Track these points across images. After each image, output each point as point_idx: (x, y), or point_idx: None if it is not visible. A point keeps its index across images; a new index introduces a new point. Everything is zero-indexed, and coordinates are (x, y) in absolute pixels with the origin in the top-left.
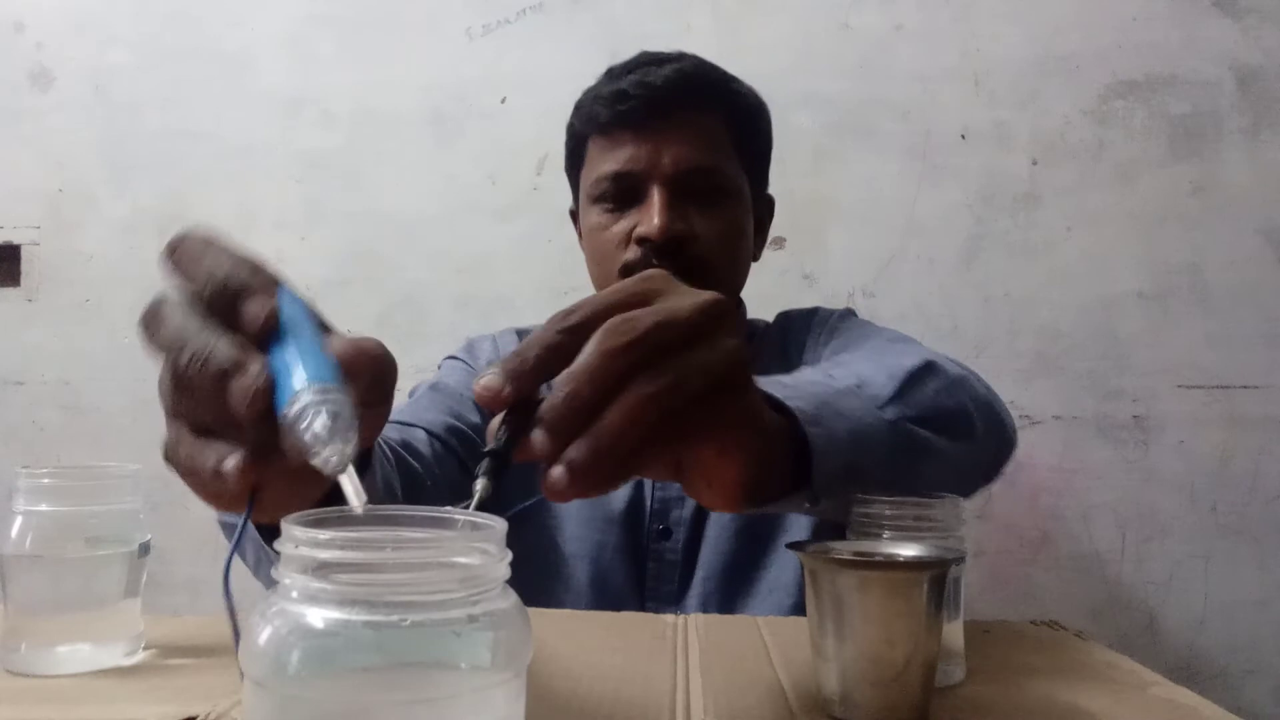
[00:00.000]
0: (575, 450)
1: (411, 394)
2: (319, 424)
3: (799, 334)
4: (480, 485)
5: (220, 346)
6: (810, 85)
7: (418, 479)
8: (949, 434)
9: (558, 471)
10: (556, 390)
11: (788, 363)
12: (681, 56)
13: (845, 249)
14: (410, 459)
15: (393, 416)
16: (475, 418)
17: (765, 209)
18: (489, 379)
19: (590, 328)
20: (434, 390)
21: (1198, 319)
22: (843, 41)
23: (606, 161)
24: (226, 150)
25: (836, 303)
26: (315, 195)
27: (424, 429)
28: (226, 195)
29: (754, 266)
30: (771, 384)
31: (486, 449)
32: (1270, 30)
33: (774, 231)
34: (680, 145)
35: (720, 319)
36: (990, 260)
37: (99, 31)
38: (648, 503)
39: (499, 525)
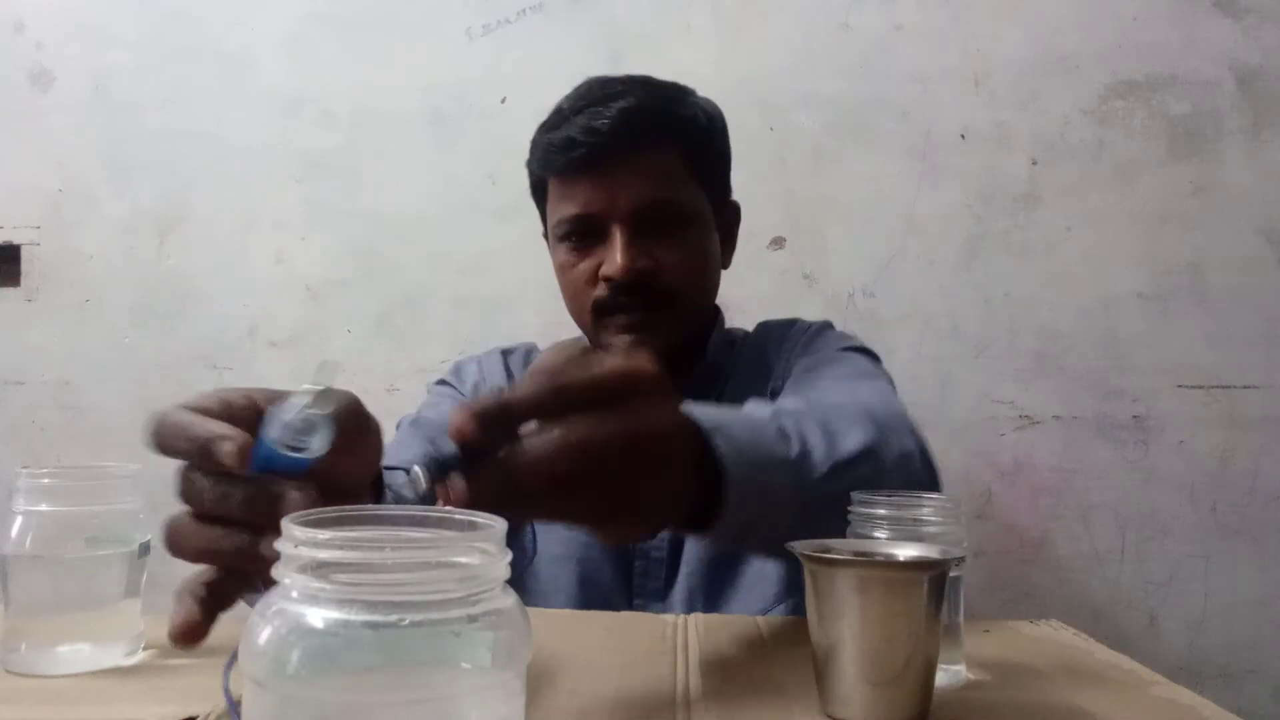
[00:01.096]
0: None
1: (397, 426)
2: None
3: (777, 344)
4: (417, 471)
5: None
6: (810, 85)
7: None
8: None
9: (459, 492)
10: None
11: (767, 372)
12: (629, 89)
13: (845, 249)
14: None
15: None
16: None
17: (731, 217)
18: (460, 420)
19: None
20: (415, 425)
21: (1198, 319)
22: (843, 41)
23: (567, 204)
24: (226, 150)
25: (836, 303)
26: (315, 195)
27: (404, 470)
28: (226, 195)
29: (754, 266)
30: (727, 423)
31: (438, 456)
32: (1270, 30)
33: (774, 231)
34: (634, 184)
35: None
36: (990, 260)
37: (99, 31)
38: None
39: (499, 525)
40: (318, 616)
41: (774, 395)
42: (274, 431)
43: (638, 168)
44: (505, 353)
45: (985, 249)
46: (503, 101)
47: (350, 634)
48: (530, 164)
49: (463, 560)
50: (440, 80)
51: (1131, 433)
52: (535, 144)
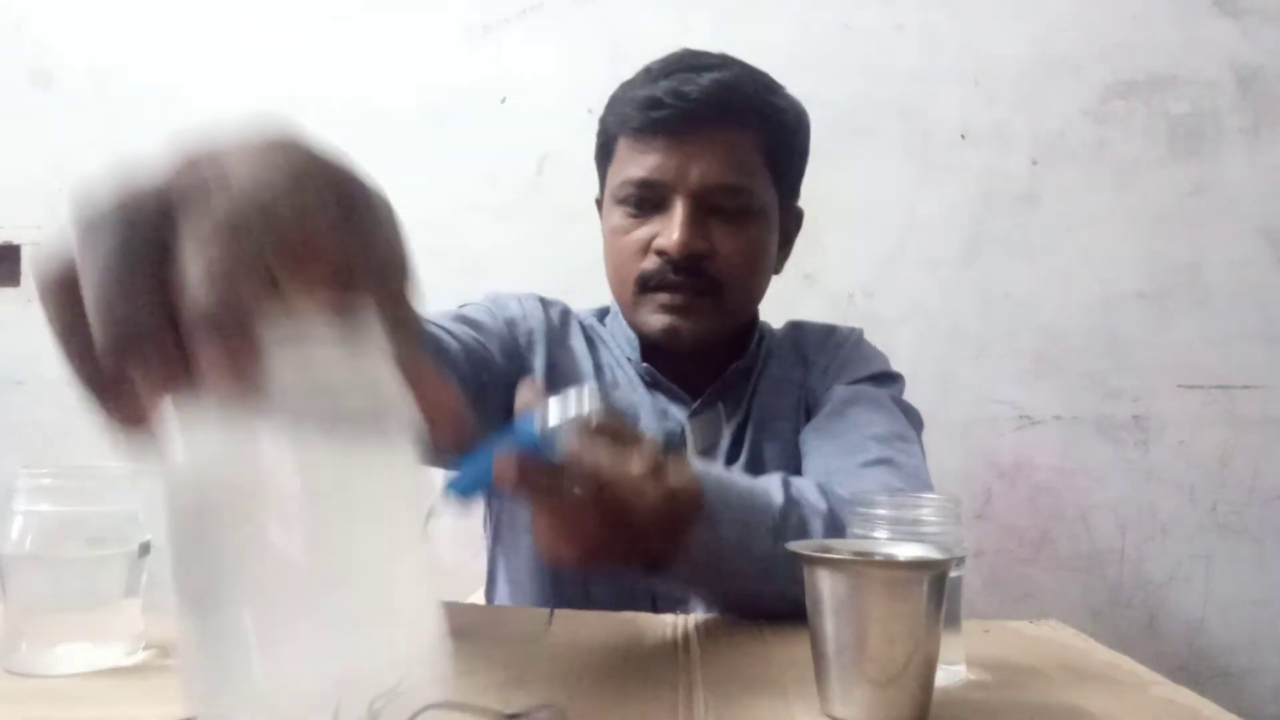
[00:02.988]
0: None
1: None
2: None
3: (816, 349)
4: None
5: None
6: (810, 85)
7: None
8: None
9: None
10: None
11: (800, 373)
12: (724, 64)
13: (845, 249)
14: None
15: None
16: (491, 346)
17: (793, 222)
18: (504, 468)
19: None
20: (457, 319)
21: (1198, 319)
22: (843, 41)
23: (634, 166)
24: None
25: (837, 303)
26: None
27: (450, 333)
28: None
29: None
30: (730, 495)
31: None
32: (1270, 30)
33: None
34: (709, 160)
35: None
36: (990, 260)
37: (99, 31)
38: None
39: None
40: None
41: (809, 406)
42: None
43: (716, 144)
44: (544, 302)
45: (985, 249)
46: (503, 101)
47: None
48: (604, 119)
49: None
50: (440, 80)
51: (1131, 433)
52: (614, 100)
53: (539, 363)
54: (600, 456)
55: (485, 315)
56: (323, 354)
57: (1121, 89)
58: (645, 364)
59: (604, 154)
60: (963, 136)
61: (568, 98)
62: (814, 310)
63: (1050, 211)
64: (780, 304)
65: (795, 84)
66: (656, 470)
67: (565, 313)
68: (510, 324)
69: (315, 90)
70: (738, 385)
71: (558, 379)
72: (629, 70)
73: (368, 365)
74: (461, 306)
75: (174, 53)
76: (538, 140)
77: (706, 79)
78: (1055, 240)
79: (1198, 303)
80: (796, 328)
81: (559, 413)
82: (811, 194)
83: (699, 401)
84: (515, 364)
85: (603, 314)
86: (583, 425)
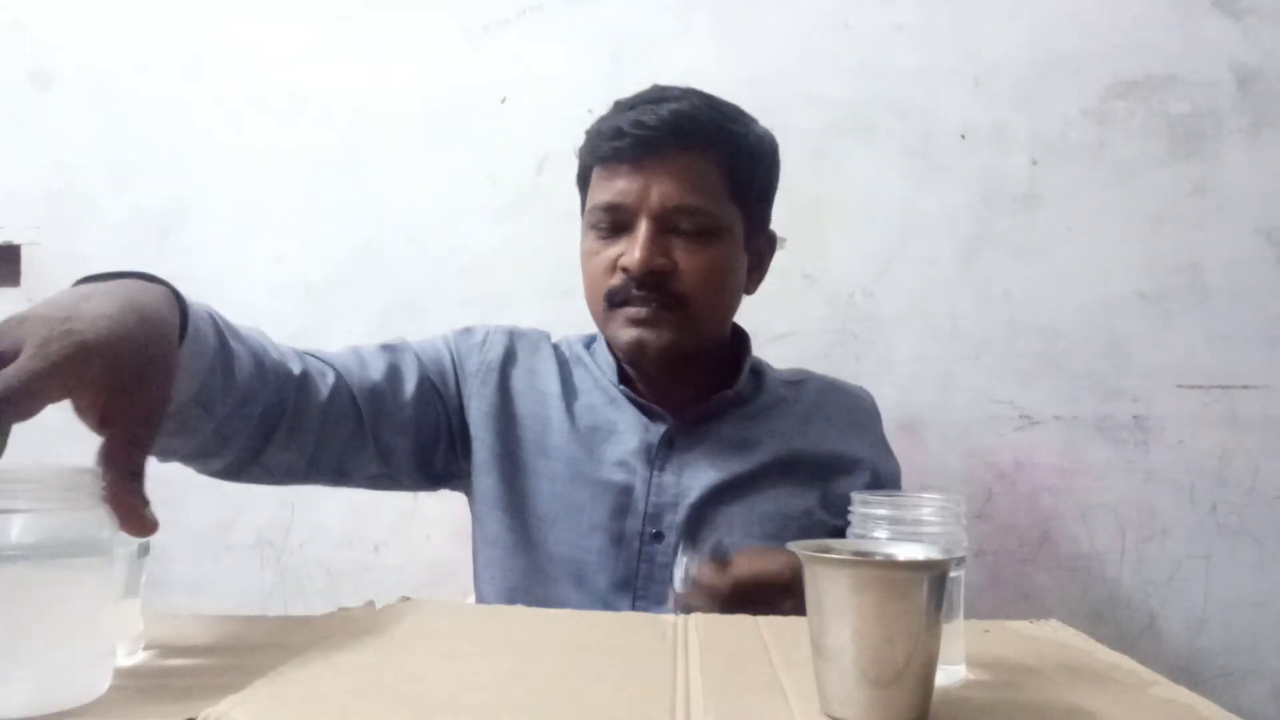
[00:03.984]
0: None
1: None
2: None
3: (851, 420)
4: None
5: None
6: (810, 85)
7: (307, 408)
8: None
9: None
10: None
11: (824, 438)
12: (687, 94)
13: (845, 249)
14: (310, 391)
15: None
16: (406, 387)
17: (765, 246)
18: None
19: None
20: (384, 348)
21: (1198, 319)
22: (842, 41)
23: (602, 192)
24: (226, 150)
25: (836, 303)
26: (315, 195)
27: (337, 372)
28: (226, 195)
29: None
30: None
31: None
32: (1270, 30)
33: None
34: (668, 183)
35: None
36: (990, 260)
37: (99, 31)
38: (642, 507)
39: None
40: None
41: (876, 481)
42: None
43: (676, 168)
44: (514, 334)
45: (985, 249)
46: (503, 101)
47: None
48: (580, 151)
49: None
50: (440, 80)
51: (1131, 433)
52: (588, 133)
53: (488, 390)
54: (718, 581)
55: (432, 351)
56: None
57: (1121, 89)
58: (622, 386)
59: (582, 184)
60: (963, 136)
61: (568, 98)
62: (814, 310)
63: (1050, 211)
64: (780, 304)
65: (795, 84)
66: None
67: (539, 340)
68: (458, 355)
69: (315, 90)
70: (724, 413)
71: (516, 397)
72: (629, 70)
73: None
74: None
75: (174, 53)
76: (538, 140)
77: (666, 109)
78: (1055, 240)
79: (1198, 303)
80: (817, 383)
81: (681, 576)
82: (811, 194)
83: (677, 420)
84: (444, 389)
85: (591, 340)
86: (695, 577)
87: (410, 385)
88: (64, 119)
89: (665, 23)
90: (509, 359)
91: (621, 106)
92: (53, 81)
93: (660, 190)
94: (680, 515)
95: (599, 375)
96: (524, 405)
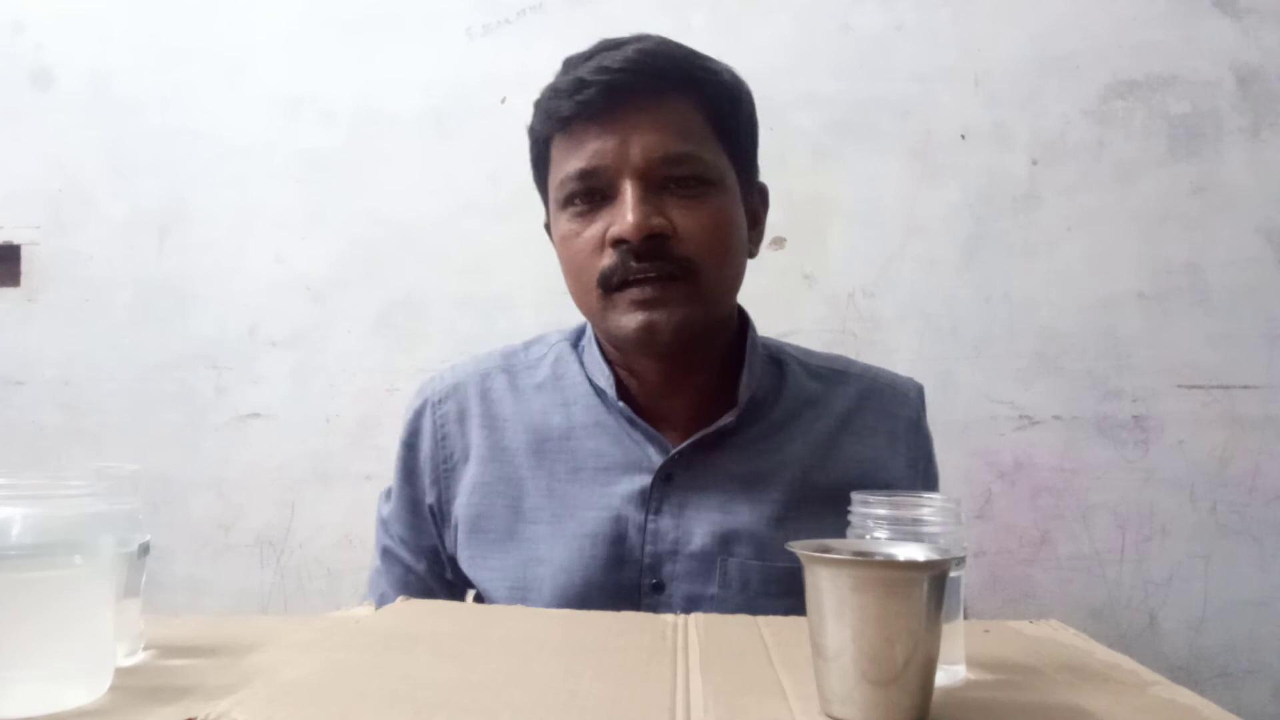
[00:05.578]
0: None
1: (386, 496)
2: None
3: (891, 421)
4: None
5: None
6: (810, 85)
7: None
8: None
9: None
10: None
11: (860, 435)
12: (642, 37)
13: (845, 249)
14: None
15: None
16: (421, 561)
17: (758, 200)
18: None
19: None
20: (386, 557)
21: (1198, 319)
22: (842, 41)
23: (571, 160)
24: (226, 150)
25: (836, 303)
26: (315, 195)
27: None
28: (226, 195)
29: (754, 266)
30: None
31: None
32: (1270, 30)
33: (774, 231)
34: (649, 133)
35: None
36: (990, 260)
37: (99, 31)
38: (637, 555)
39: None
40: None
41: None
42: None
43: (654, 114)
44: (439, 403)
45: (985, 249)
46: (503, 101)
47: None
48: (532, 128)
49: None
50: (440, 80)
51: (1131, 433)
52: (538, 103)
53: (472, 466)
54: None
55: (396, 505)
56: None
57: (1121, 89)
58: (621, 403)
59: (540, 166)
60: (963, 136)
61: None
62: (814, 310)
63: (1050, 211)
64: (780, 304)
65: (795, 84)
66: None
67: (485, 374)
68: (433, 466)
69: (315, 90)
70: (732, 434)
71: (494, 453)
72: None
73: None
74: (381, 517)
75: (174, 53)
76: None
77: (630, 49)
78: (1055, 240)
79: (1198, 303)
80: (845, 366)
81: None
82: (811, 194)
83: (677, 451)
84: (444, 507)
85: (578, 338)
86: None
87: (423, 566)
88: (64, 119)
89: (665, 23)
90: (453, 433)
91: (574, 61)
92: (53, 81)
93: (642, 142)
94: (680, 565)
95: (582, 391)
96: (490, 471)
